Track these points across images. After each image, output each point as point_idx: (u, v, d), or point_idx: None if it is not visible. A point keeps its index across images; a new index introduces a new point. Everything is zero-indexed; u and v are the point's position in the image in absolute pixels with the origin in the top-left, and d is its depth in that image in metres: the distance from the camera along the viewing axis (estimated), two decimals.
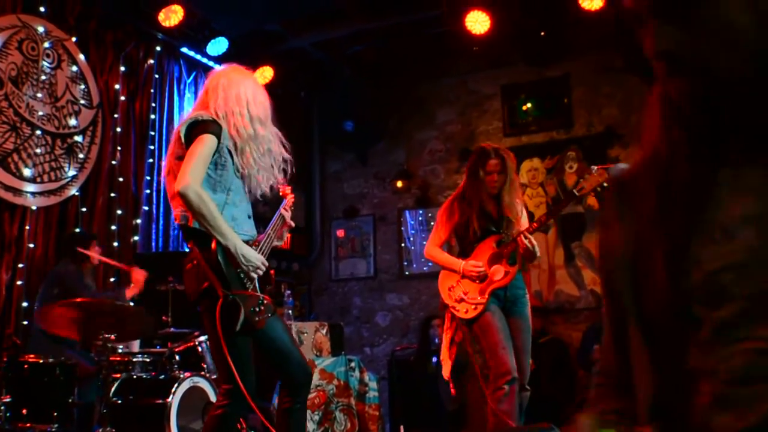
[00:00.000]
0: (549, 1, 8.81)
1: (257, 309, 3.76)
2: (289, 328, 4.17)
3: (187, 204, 3.64)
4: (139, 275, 6.67)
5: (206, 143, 3.69)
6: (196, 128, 3.75)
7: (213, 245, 3.69)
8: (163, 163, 4.01)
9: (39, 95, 7.30)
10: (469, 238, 5.45)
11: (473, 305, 5.33)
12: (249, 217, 3.97)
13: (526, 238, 5.27)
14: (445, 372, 5.80)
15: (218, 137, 3.74)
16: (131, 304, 6.60)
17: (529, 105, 10.28)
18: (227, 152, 3.80)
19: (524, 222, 5.53)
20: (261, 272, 3.81)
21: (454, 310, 5.41)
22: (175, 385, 5.41)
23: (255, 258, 3.77)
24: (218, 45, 8.83)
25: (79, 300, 5.30)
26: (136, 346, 6.71)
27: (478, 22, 8.66)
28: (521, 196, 5.92)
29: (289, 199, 4.52)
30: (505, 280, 5.36)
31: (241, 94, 3.93)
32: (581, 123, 9.94)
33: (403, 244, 10.50)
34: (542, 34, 9.28)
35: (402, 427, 8.93)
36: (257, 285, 3.85)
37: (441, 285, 5.54)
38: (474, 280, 5.36)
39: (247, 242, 3.82)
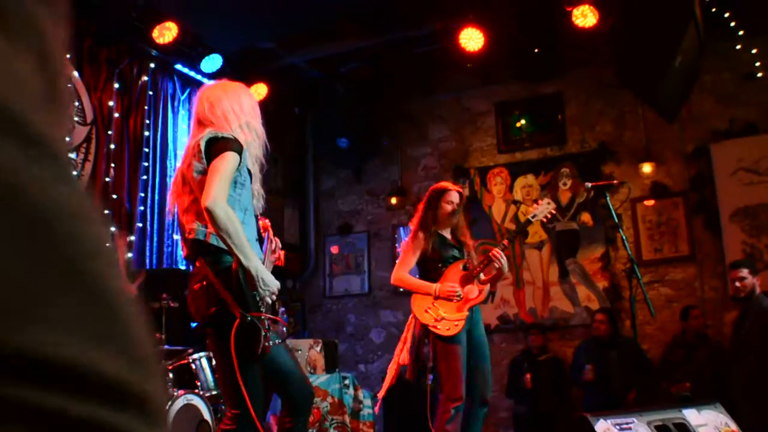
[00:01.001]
0: (543, 18, 8.83)
1: (267, 333, 3.68)
2: (290, 348, 4.11)
3: (214, 220, 3.55)
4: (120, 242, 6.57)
5: (230, 160, 3.64)
6: (217, 144, 3.69)
7: (234, 264, 3.61)
8: (172, 177, 3.98)
9: None
10: (436, 264, 5.73)
11: (455, 322, 5.48)
12: (256, 240, 3.89)
13: (499, 253, 5.51)
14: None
15: (240, 155, 3.69)
16: None
17: (522, 122, 10.31)
18: (247, 172, 3.76)
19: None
20: (274, 297, 3.75)
21: (434, 329, 5.51)
22: (169, 403, 5.39)
23: (272, 283, 3.69)
24: (212, 62, 8.85)
25: None
26: None
27: (471, 39, 8.69)
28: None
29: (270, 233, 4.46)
30: (480, 297, 5.61)
31: (245, 108, 3.91)
32: (575, 140, 9.97)
33: (397, 261, 10.49)
34: (536, 51, 9.31)
35: None
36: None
37: (416, 307, 5.68)
38: (451, 300, 5.54)
39: None
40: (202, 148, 3.71)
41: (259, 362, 3.73)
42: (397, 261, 5.99)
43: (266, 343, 3.64)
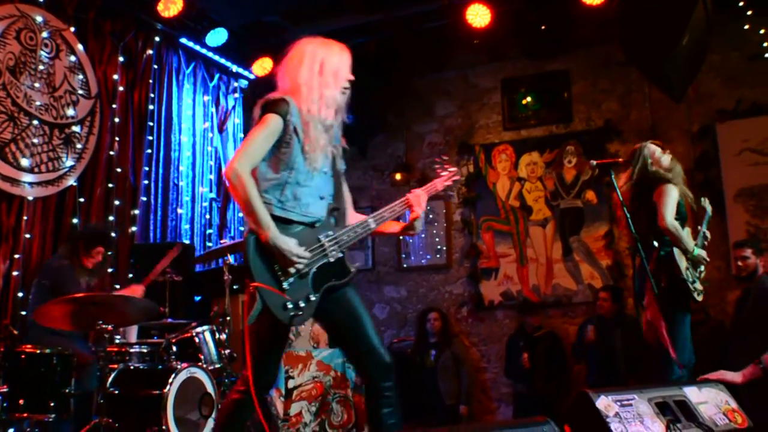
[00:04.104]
0: None
1: (293, 305, 3.54)
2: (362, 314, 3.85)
3: (231, 187, 3.58)
4: (137, 291, 6.49)
5: (266, 123, 3.63)
6: (264, 109, 3.71)
7: (245, 232, 3.59)
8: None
9: (37, 85, 7.28)
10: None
11: (701, 290, 5.79)
12: (321, 198, 3.79)
13: None
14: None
15: (283, 115, 3.65)
16: (117, 287, 6.58)
17: (528, 99, 10.28)
18: (293, 129, 3.67)
19: None
20: (300, 266, 3.56)
21: (693, 291, 5.71)
22: (172, 375, 5.41)
23: (289, 250, 3.53)
24: (217, 36, 8.83)
25: (71, 297, 5.28)
26: (133, 336, 6.70)
27: (478, 16, 8.67)
28: None
29: (443, 179, 4.44)
30: None
31: (305, 61, 3.82)
32: (580, 117, 9.94)
33: (401, 237, 10.49)
34: (543, 28, 9.27)
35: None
36: (311, 276, 3.64)
37: (678, 262, 5.70)
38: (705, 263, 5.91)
39: (310, 225, 3.70)
40: (257, 117, 3.73)
41: (278, 330, 3.70)
42: None
43: (290, 314, 3.53)
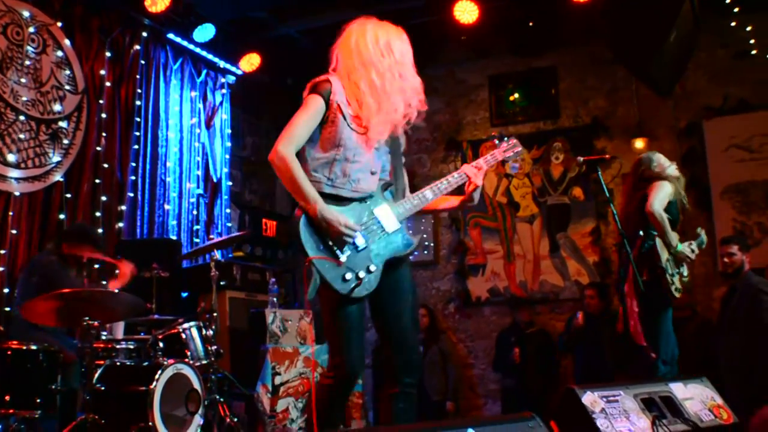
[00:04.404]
0: None
1: (353, 276, 3.55)
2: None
3: (275, 169, 3.60)
4: (126, 268, 6.57)
5: (309, 105, 3.67)
6: (308, 90, 3.75)
7: (297, 211, 3.60)
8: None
9: (23, 80, 7.24)
10: None
11: (680, 287, 5.93)
12: (373, 173, 3.79)
13: None
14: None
15: (325, 96, 3.69)
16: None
17: (516, 95, 10.31)
18: (336, 107, 3.70)
19: None
20: (349, 239, 3.56)
21: (672, 285, 5.80)
22: (159, 372, 5.38)
23: (337, 221, 3.55)
24: (205, 31, 8.79)
25: (58, 292, 5.26)
26: (120, 332, 6.68)
27: (466, 12, 8.66)
28: None
29: (499, 151, 4.36)
30: None
31: (362, 42, 3.84)
32: (568, 114, 9.98)
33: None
34: (530, 24, 9.28)
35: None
36: (370, 249, 3.65)
37: (660, 254, 5.74)
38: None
39: (361, 200, 3.73)
40: (305, 98, 3.75)
41: (351, 307, 3.63)
42: None
43: (351, 286, 3.54)
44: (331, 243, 3.56)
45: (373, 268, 3.62)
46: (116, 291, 5.89)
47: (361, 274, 3.57)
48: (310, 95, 3.70)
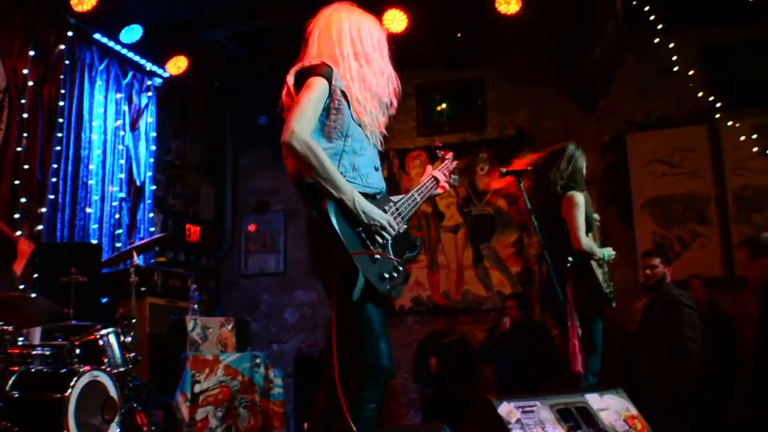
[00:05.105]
0: (466, 3, 8.86)
1: (388, 275, 3.34)
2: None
3: (293, 155, 3.28)
4: (25, 246, 6.44)
5: (314, 87, 3.37)
6: (304, 74, 3.44)
7: (324, 202, 3.26)
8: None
9: None
10: None
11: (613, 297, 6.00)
12: (376, 169, 3.56)
13: None
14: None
15: (329, 79, 3.40)
16: (22, 287, 6.44)
17: (443, 106, 10.37)
18: (341, 94, 3.44)
19: None
20: (387, 233, 3.36)
21: (611, 301, 5.87)
22: (75, 379, 5.29)
23: (378, 215, 3.33)
24: (132, 32, 8.68)
25: None
26: (36, 338, 6.55)
27: (395, 21, 8.67)
28: None
29: (448, 163, 4.19)
30: None
31: (343, 31, 3.61)
32: (494, 125, 10.07)
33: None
34: (459, 35, 9.34)
35: (306, 425, 8.89)
36: (390, 248, 3.43)
37: (597, 275, 5.74)
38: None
39: (372, 196, 3.46)
40: (291, 84, 3.49)
41: (380, 307, 3.40)
42: None
43: (388, 286, 3.33)
44: (364, 237, 3.32)
45: (400, 267, 3.44)
46: (33, 296, 5.78)
47: (394, 274, 3.38)
48: (312, 77, 3.40)
